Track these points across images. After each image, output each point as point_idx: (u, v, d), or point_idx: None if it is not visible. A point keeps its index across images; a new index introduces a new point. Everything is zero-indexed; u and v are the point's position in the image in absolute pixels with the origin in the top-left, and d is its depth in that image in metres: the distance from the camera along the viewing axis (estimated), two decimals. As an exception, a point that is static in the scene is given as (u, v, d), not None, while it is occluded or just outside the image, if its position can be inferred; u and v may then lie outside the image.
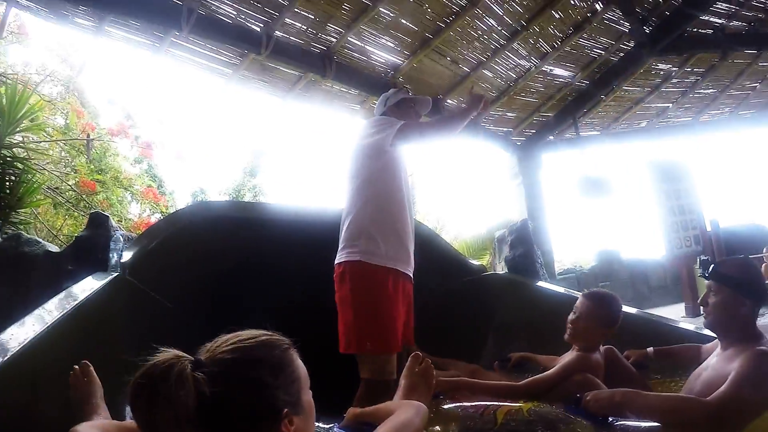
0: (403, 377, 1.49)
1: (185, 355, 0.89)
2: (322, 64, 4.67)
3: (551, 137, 7.04)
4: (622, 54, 6.02)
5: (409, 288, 2.33)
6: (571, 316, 2.14)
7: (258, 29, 4.30)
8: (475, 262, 3.63)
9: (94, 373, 1.46)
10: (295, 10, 4.26)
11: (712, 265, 1.80)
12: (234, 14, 4.18)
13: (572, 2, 5.23)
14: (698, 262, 2.28)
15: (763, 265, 6.81)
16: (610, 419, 1.54)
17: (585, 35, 5.62)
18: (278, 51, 4.38)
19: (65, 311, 1.91)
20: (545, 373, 2.01)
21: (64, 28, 4.29)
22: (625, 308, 2.42)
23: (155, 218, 7.71)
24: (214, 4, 4.07)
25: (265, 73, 4.81)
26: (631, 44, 5.86)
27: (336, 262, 2.21)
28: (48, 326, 1.73)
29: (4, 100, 4.86)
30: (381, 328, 2.07)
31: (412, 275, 2.33)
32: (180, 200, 10.04)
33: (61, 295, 2.11)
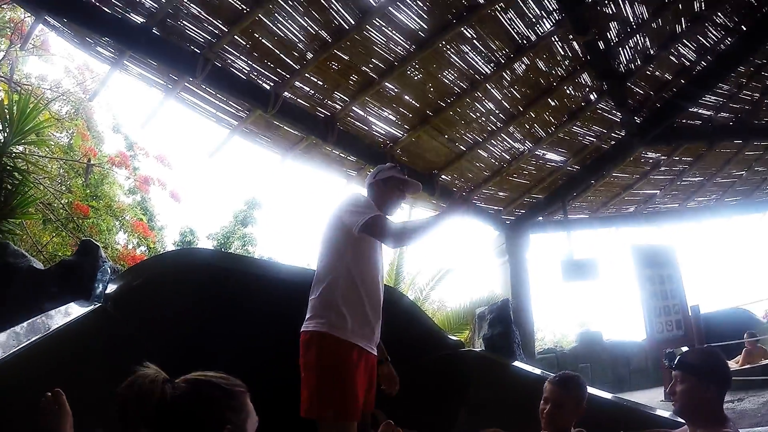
0: None
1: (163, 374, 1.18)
2: (324, 129, 4.84)
3: (540, 218, 7.21)
4: (613, 142, 6.29)
5: (372, 359, 2.39)
6: (542, 405, 2.19)
7: (268, 87, 4.49)
8: (453, 337, 3.68)
9: (66, 402, 1.43)
10: (306, 75, 4.47)
11: (678, 357, 1.94)
12: (247, 70, 4.38)
13: (568, 92, 5.54)
14: (664, 355, 2.40)
15: (744, 350, 6.89)
16: None
17: (578, 123, 5.91)
18: (284, 111, 4.55)
19: (45, 334, 1.96)
20: None
21: (85, 53, 4.47)
22: (603, 394, 2.50)
23: (141, 251, 7.75)
24: (230, 58, 4.27)
25: (269, 130, 4.97)
26: (623, 133, 6.13)
27: (303, 328, 2.27)
28: (22, 347, 1.77)
29: (15, 109, 5.01)
30: (343, 396, 2.12)
31: (374, 350, 2.41)
32: (168, 237, 10.11)
33: (41, 316, 2.17)
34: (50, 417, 1.38)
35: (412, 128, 5.22)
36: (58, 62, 8.73)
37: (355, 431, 2.12)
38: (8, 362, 1.61)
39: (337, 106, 4.86)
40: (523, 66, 5.03)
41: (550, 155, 6.35)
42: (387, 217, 2.36)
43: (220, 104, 4.65)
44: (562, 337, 16.72)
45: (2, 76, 7.88)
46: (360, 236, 2.25)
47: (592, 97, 5.68)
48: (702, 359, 1.89)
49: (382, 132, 5.27)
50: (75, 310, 2.39)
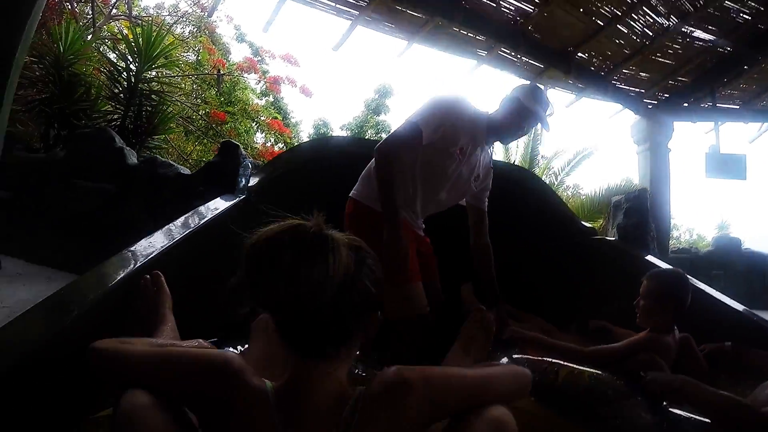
0: (464, 328, 1.47)
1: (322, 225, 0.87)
2: (449, 9, 4.60)
3: (685, 104, 6.45)
4: None
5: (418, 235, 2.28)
6: (638, 300, 2.09)
7: (386, -31, 4.25)
8: (586, 224, 3.50)
9: (165, 284, 1.43)
10: (425, -47, 4.16)
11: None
12: (362, -44, 4.16)
13: None
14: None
15: None
16: (665, 404, 1.51)
17: None
18: (406, -7, 4.30)
19: (195, 226, 2.04)
20: (612, 345, 1.98)
21: None
22: (729, 302, 2.26)
23: (279, 148, 8.15)
24: (341, -54, 4.08)
25: (391, 16, 4.80)
26: None
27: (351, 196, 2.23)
28: (176, 240, 1.83)
29: (140, 40, 5.36)
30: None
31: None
32: (304, 131, 10.48)
33: (192, 212, 2.25)
34: (149, 299, 1.38)
35: (544, 2, 4.81)
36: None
37: (419, 291, 2.02)
38: (166, 254, 1.72)
39: (462, -17, 4.52)
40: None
41: (699, 33, 5.51)
42: (404, 149, 2.03)
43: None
44: (698, 239, 15.55)
45: (122, 15, 8.38)
46: (430, 142, 2.05)
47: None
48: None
49: (512, 8, 4.91)
50: (221, 204, 2.47)
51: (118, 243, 1.73)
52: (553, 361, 1.68)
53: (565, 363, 1.69)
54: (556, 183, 9.26)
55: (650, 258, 2.95)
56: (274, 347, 1.08)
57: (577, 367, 1.65)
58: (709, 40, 5.57)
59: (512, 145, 9.69)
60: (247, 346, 1.62)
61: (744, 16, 5.28)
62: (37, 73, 5.20)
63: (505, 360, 1.72)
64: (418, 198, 2.18)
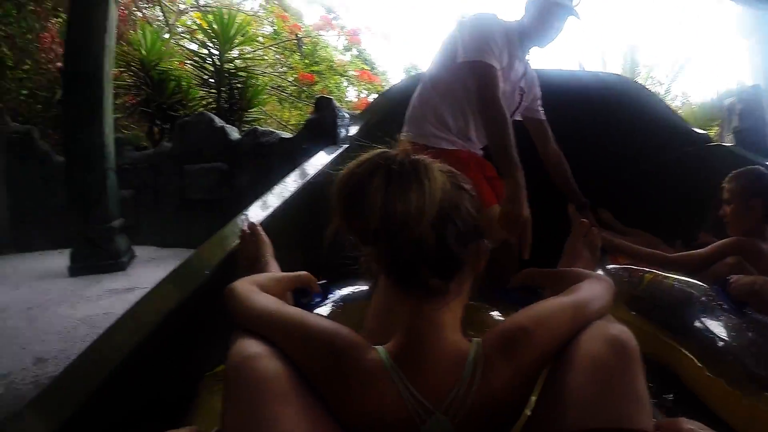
0: (568, 244, 1.40)
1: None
2: None
3: None
4: None
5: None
6: (723, 208, 1.99)
7: None
8: (699, 131, 3.30)
9: (262, 232, 1.44)
10: None
11: None
12: None
13: None
14: None
15: None
16: (747, 309, 1.40)
17: None
18: None
19: (303, 182, 2.14)
20: (699, 250, 1.89)
21: None
22: None
23: (372, 97, 8.22)
24: None
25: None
26: None
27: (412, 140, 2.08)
28: (286, 199, 1.94)
29: (215, 25, 5.54)
30: None
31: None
32: (393, 78, 10.39)
33: (297, 170, 2.35)
34: (249, 248, 1.40)
35: None
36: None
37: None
38: (279, 209, 1.83)
39: None
40: None
41: None
42: (496, 86, 1.89)
43: None
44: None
45: (191, 7, 8.67)
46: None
47: None
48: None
49: None
50: (325, 158, 2.56)
51: (236, 214, 1.86)
52: (638, 268, 1.69)
53: (651, 269, 1.68)
54: (662, 92, 8.48)
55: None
56: (391, 297, 0.95)
57: (662, 273, 1.65)
58: None
59: (609, 55, 9.01)
60: (356, 288, 1.62)
61: None
62: (129, 80, 5.57)
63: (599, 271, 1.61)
64: (471, 126, 2.09)
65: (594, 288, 0.93)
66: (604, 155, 2.80)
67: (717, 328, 1.37)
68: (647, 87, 7.55)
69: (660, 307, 1.53)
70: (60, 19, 6.15)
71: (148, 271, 3.63)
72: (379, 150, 0.78)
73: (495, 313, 1.56)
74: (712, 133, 6.51)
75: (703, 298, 1.48)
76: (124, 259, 3.73)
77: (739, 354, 1.27)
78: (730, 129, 3.51)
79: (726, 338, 1.33)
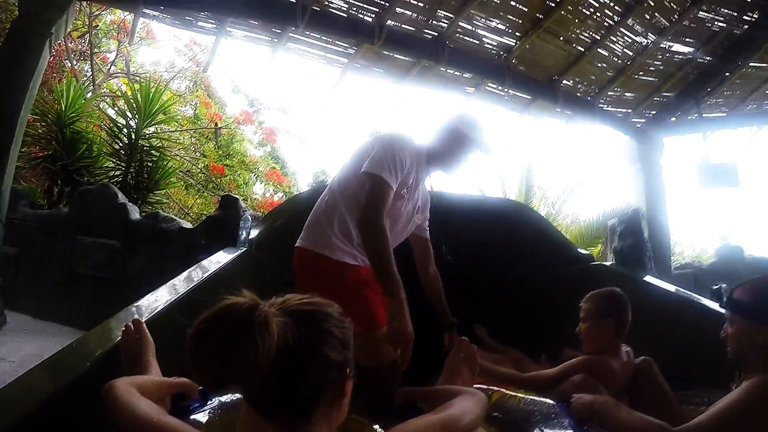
0: (448, 361, 1.46)
1: (258, 302, 0.85)
2: (435, 50, 4.76)
3: (673, 119, 6.46)
4: (746, 26, 5.40)
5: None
6: (579, 326, 2.08)
7: (370, 20, 4.49)
8: (583, 251, 3.55)
9: (147, 331, 1.42)
10: (405, -1, 4.35)
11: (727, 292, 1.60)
12: (346, 7, 4.40)
13: None
14: (711, 291, 2.00)
15: None
16: (586, 426, 1.49)
17: (704, 7, 5.15)
18: (391, 40, 4.54)
19: (199, 280, 2.09)
20: (549, 369, 1.99)
21: (188, 31, 4.73)
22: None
23: (278, 197, 8.27)
24: (326, 1, 4.31)
25: (380, 61, 4.97)
26: (756, 14, 5.28)
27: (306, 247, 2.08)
28: (183, 293, 1.90)
29: (139, 97, 5.52)
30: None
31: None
32: (302, 180, 10.59)
33: (195, 266, 2.31)
34: (131, 346, 1.38)
35: (524, 34, 4.96)
36: (167, 45, 9.44)
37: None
38: (172, 308, 1.78)
39: (443, 25, 4.73)
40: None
41: (677, 47, 5.62)
42: (385, 204, 1.92)
43: (328, 45, 4.73)
44: (700, 252, 15.37)
45: (121, 72, 8.65)
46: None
47: (715, -28, 4.91)
48: (752, 295, 1.50)
49: (494, 43, 5.07)
50: (223, 257, 2.55)
51: (124, 298, 1.79)
52: (489, 387, 1.73)
53: (502, 388, 1.73)
54: (553, 212, 9.24)
55: (648, 279, 2.97)
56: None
57: (509, 391, 1.70)
58: (689, 53, 5.66)
59: (507, 177, 9.76)
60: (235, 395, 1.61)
61: (719, 24, 5.35)
62: (40, 131, 5.37)
63: None
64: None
65: (465, 404, 1.02)
66: (495, 275, 2.93)
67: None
68: (537, 209, 8.16)
69: (507, 424, 1.56)
70: None
71: (18, 342, 3.40)
72: (227, 302, 0.83)
73: (377, 427, 1.54)
74: (597, 251, 7.06)
75: (547, 416, 1.54)
76: None
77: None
78: (611, 248, 3.76)
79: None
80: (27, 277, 4.23)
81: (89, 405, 1.05)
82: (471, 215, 3.16)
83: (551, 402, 1.61)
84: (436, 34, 4.77)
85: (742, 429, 1.32)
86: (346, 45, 4.74)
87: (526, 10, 4.73)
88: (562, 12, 4.81)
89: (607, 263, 3.55)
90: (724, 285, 1.99)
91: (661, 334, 2.14)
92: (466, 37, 4.91)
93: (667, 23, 5.21)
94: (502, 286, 2.72)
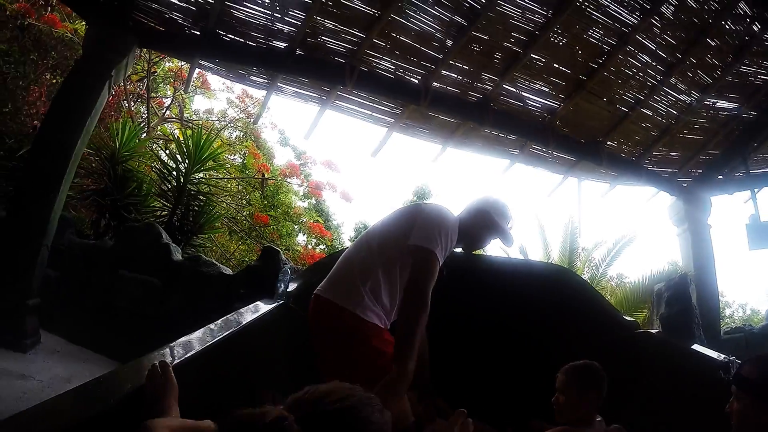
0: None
1: (287, 413, 0.83)
2: (479, 112, 4.87)
3: (720, 177, 6.29)
4: None
5: None
6: (556, 397, 2.12)
7: (416, 81, 4.64)
8: (628, 318, 3.44)
9: (172, 374, 1.42)
10: (450, 62, 4.52)
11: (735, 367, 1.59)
12: (393, 69, 4.57)
13: (727, 27, 4.80)
14: (719, 364, 1.93)
15: None
16: None
17: (746, 61, 5.10)
18: (437, 101, 4.67)
19: (235, 329, 2.11)
20: None
21: (241, 84, 4.94)
22: None
23: (320, 249, 8.38)
24: (374, 61, 4.49)
25: (425, 122, 5.10)
26: None
27: (335, 302, 2.09)
28: (218, 339, 1.92)
29: (190, 142, 5.76)
30: None
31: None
32: (345, 233, 10.75)
33: (233, 314, 2.33)
34: (156, 387, 1.37)
35: (568, 96, 5.02)
36: (220, 95, 9.78)
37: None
38: (205, 353, 1.79)
39: (488, 87, 4.83)
40: (671, 7, 4.52)
41: (721, 103, 5.54)
42: (435, 280, 1.99)
43: (375, 105, 4.89)
44: (752, 314, 14.64)
45: (175, 117, 9.07)
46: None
47: (755, 27, 4.87)
48: (760, 373, 1.51)
49: (538, 105, 5.13)
50: (261, 308, 2.58)
51: (158, 334, 1.83)
52: None
53: None
54: (598, 275, 9.03)
55: (696, 347, 2.86)
56: None
57: None
58: (733, 108, 5.56)
59: (550, 238, 9.69)
60: None
61: (762, 77, 5.27)
62: (94, 165, 5.65)
63: None
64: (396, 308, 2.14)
65: None
66: (538, 340, 2.88)
67: None
68: (581, 271, 7.95)
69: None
70: (56, 79, 6.34)
71: (49, 362, 3.47)
72: (252, 415, 0.81)
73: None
74: (642, 316, 6.79)
75: None
76: (27, 341, 3.55)
77: None
78: (657, 314, 3.63)
79: None
80: (66, 301, 4.32)
81: None
82: (515, 280, 3.15)
83: None
84: (481, 96, 4.88)
85: None
86: (393, 105, 4.89)
87: (570, 72, 4.80)
88: (605, 73, 4.85)
89: (653, 331, 3.44)
90: (732, 358, 1.92)
91: (709, 405, 2.04)
92: (510, 100, 4.99)
93: (709, 80, 5.18)
94: (546, 354, 2.66)
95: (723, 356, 1.93)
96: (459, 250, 2.41)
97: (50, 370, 3.27)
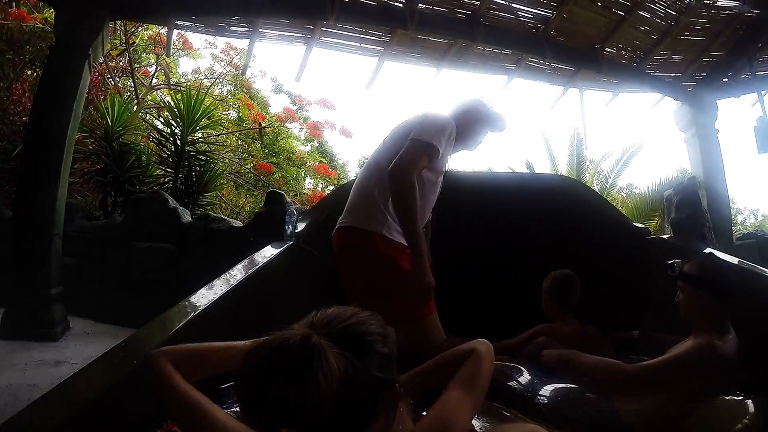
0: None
1: (310, 331, 0.83)
2: (470, 30, 4.70)
3: (725, 79, 6.11)
4: None
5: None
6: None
7: (401, 5, 4.46)
8: (638, 224, 3.42)
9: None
10: (435, -22, 4.30)
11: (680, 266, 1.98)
12: (376, -6, 4.36)
13: None
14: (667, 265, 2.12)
15: None
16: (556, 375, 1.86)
17: None
18: (424, 23, 4.51)
19: (247, 274, 2.17)
20: (514, 338, 2.37)
21: (223, 37, 4.81)
22: None
23: (328, 190, 8.37)
24: (356, -11, 4.29)
25: (416, 46, 4.96)
26: None
27: (358, 227, 2.07)
28: (233, 286, 1.98)
29: (181, 105, 5.67)
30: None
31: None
32: (351, 171, 10.70)
33: (244, 261, 2.40)
34: None
35: (561, 3, 4.80)
36: (205, 53, 9.53)
37: (437, 323, 2.09)
38: (223, 299, 1.84)
39: (476, 2, 4.65)
40: None
41: (722, 1, 5.27)
42: (421, 165, 2.00)
43: (362, 36, 4.76)
44: (763, 219, 14.58)
45: (162, 84, 8.91)
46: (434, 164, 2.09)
47: None
48: (698, 268, 1.91)
49: (530, 16, 4.94)
50: (270, 251, 2.63)
51: (180, 298, 1.85)
52: None
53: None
54: (607, 186, 8.99)
55: (709, 251, 2.84)
56: None
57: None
58: (735, 6, 5.30)
59: (556, 152, 9.58)
60: None
61: None
62: (90, 147, 5.63)
63: None
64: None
65: (480, 366, 1.12)
66: (550, 252, 2.91)
67: (539, 393, 1.81)
68: (590, 183, 7.88)
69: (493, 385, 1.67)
70: (35, 73, 6.28)
71: (81, 345, 3.54)
72: (277, 339, 0.81)
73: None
74: (654, 224, 6.77)
75: (521, 372, 1.91)
76: (57, 329, 3.64)
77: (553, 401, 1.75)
78: (668, 219, 3.62)
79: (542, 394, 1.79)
80: (88, 284, 4.41)
81: (144, 398, 1.08)
82: (525, 194, 3.18)
83: (513, 365, 1.95)
84: (470, 12, 4.70)
85: (677, 377, 1.67)
86: (380, 33, 4.74)
87: (562, -24, 4.57)
88: (599, -25, 4.62)
89: (665, 236, 3.42)
90: (678, 261, 2.03)
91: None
92: (500, 13, 4.81)
93: (710, -24, 4.90)
94: (559, 265, 2.66)
95: (671, 260, 2.08)
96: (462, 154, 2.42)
97: (83, 352, 3.34)
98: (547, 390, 1.81)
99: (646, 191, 7.83)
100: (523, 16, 4.90)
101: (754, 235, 6.78)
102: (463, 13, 4.70)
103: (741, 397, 1.65)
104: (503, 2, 4.72)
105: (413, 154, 1.97)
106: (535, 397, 1.78)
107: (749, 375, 1.71)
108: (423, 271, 1.86)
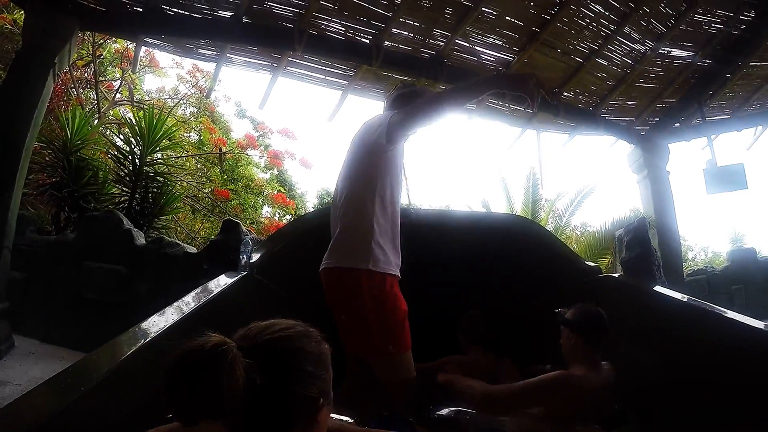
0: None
1: (228, 339, 0.89)
2: (432, 69, 4.81)
3: (676, 124, 6.44)
4: (743, 26, 5.36)
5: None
6: None
7: (367, 41, 4.55)
8: (589, 263, 3.50)
9: None
10: (400, 19, 4.44)
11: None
12: (343, 30, 4.47)
13: None
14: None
15: None
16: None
17: (700, 10, 5.10)
18: (389, 60, 4.61)
19: (200, 303, 2.11)
20: (430, 363, 2.54)
21: (190, 59, 4.79)
22: (751, 322, 2.20)
23: (286, 220, 8.30)
24: (323, 24, 4.39)
25: (379, 81, 5.03)
26: (752, 14, 5.23)
27: (340, 266, 2.00)
28: (184, 315, 1.91)
29: (143, 123, 5.58)
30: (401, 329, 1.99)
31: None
32: (309, 202, 10.66)
33: (198, 289, 2.32)
34: None
35: (522, 49, 4.99)
36: (170, 72, 9.51)
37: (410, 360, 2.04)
38: (174, 328, 1.79)
39: (440, 43, 4.78)
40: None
41: (676, 51, 5.59)
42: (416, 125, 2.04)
43: (327, 68, 4.80)
44: (713, 256, 15.16)
45: (126, 100, 8.77)
46: (391, 154, 2.03)
47: (707, -25, 4.88)
48: (573, 314, 2.19)
49: (492, 59, 5.09)
50: (224, 281, 2.55)
51: (131, 322, 1.78)
52: None
53: None
54: (562, 224, 9.18)
55: (658, 289, 2.94)
56: None
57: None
58: (688, 57, 5.62)
59: (512, 191, 9.80)
60: None
61: (716, 26, 5.30)
62: (47, 158, 5.43)
63: None
64: (396, 230, 2.09)
65: None
66: (503, 292, 2.92)
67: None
68: (545, 222, 8.07)
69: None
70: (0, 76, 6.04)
71: (25, 365, 3.42)
72: (191, 346, 0.87)
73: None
74: (606, 261, 6.96)
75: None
76: (1, 347, 3.51)
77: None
78: (619, 258, 3.72)
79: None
80: (35, 301, 4.26)
81: (91, 425, 1.06)
82: (478, 232, 3.18)
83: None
84: (434, 52, 4.83)
85: (534, 399, 1.94)
86: (345, 67, 4.81)
87: (522, 24, 4.77)
88: (558, 24, 4.84)
89: (615, 275, 3.50)
90: (563, 309, 2.28)
91: (672, 344, 2.13)
92: (463, 55, 4.96)
93: (663, 29, 5.21)
94: (507, 302, 2.70)
95: (559, 309, 2.29)
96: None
97: (27, 373, 3.24)
98: (451, 412, 2.05)
99: (599, 230, 8.05)
100: (486, 59, 5.05)
101: (704, 271, 7.04)
102: (427, 53, 4.83)
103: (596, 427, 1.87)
104: (467, 45, 4.85)
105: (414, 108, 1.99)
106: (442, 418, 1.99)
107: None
108: (511, 77, 2.07)
